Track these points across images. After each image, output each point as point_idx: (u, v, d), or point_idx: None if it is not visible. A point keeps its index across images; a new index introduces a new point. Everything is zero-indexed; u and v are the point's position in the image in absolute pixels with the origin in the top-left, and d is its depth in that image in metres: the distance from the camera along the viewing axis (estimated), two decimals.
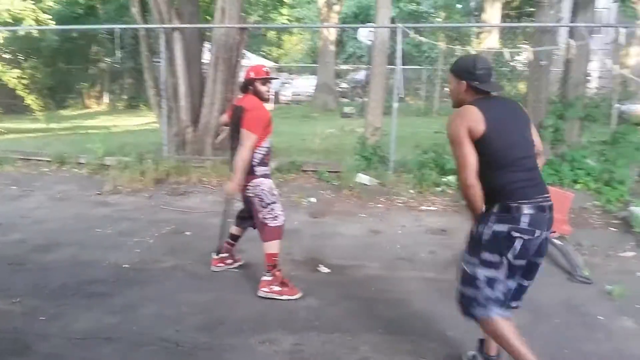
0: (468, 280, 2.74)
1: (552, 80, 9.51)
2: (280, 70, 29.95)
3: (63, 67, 18.50)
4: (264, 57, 30.98)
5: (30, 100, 11.73)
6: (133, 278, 4.46)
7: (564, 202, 5.33)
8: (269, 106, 4.26)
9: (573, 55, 7.42)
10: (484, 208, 2.73)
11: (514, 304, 2.88)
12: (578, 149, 7.32)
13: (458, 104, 2.83)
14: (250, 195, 4.15)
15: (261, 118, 4.08)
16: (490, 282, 2.67)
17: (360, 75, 22.56)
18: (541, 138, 7.37)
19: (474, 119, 2.62)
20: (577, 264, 4.65)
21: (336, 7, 22.27)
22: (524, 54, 10.89)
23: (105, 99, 21.26)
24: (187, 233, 5.68)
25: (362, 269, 4.77)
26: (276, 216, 4.15)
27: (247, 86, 4.20)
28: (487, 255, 2.67)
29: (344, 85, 25.37)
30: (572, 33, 7.80)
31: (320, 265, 4.77)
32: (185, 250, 5.10)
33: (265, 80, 4.18)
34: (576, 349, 3.42)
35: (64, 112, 17.57)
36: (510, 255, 2.64)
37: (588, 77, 8.49)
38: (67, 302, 3.96)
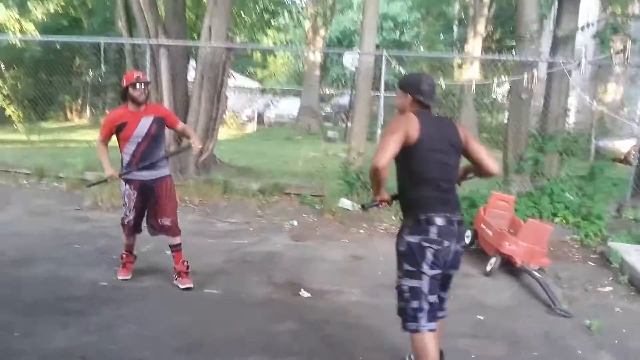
0: (398, 293, 2.99)
1: (533, 113, 9.70)
2: (264, 91, 30.08)
3: (45, 79, 18.27)
4: (249, 77, 31.10)
5: (11, 111, 11.54)
6: (110, 296, 4.38)
7: (543, 235, 5.42)
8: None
9: (534, 83, 7.58)
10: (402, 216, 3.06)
11: (440, 314, 3.08)
12: (557, 183, 7.44)
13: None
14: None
15: (106, 120, 4.58)
16: (414, 292, 2.89)
17: (344, 100, 22.74)
18: (521, 170, 7.55)
19: (413, 126, 2.86)
20: (556, 296, 4.70)
21: (322, 32, 22.56)
22: (505, 87, 11.10)
23: (88, 112, 21.06)
24: (167, 252, 5.58)
25: (343, 294, 4.75)
26: (123, 216, 4.65)
27: (124, 95, 4.47)
28: (407, 266, 2.91)
29: (327, 109, 25.56)
30: (551, 68, 8.00)
31: (301, 289, 4.74)
32: (164, 270, 5.01)
33: (134, 84, 4.37)
34: None
35: (44, 124, 17.33)
36: (424, 265, 2.86)
37: (567, 112, 8.68)
38: (42, 319, 3.87)
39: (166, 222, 4.57)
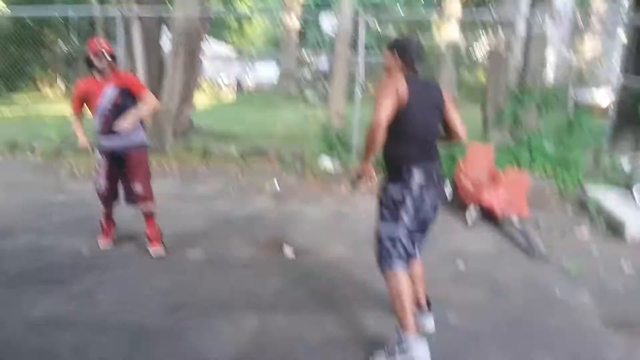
0: (376, 237, 3.16)
1: (512, 69, 9.67)
2: (242, 58, 29.63)
3: (16, 52, 17.78)
4: (225, 44, 30.58)
5: None
6: (92, 264, 4.35)
7: (522, 185, 5.48)
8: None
9: (504, 46, 7.55)
10: (382, 173, 3.18)
11: (414, 253, 3.25)
12: (535, 135, 7.49)
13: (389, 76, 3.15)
14: None
15: (74, 92, 4.45)
16: (392, 237, 3.07)
17: (323, 64, 22.52)
18: (500, 124, 7.56)
19: (403, 89, 2.95)
20: (536, 243, 4.78)
21: None
22: (483, 45, 11.06)
23: (61, 85, 20.62)
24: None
25: (327, 251, 4.77)
26: (95, 183, 4.62)
27: (88, 63, 4.35)
28: (387, 215, 3.09)
29: (306, 73, 25.29)
30: (530, 23, 7.95)
31: (285, 248, 4.75)
32: (145, 235, 5.00)
33: (96, 54, 4.26)
34: (537, 323, 3.52)
35: (16, 98, 16.96)
36: (403, 213, 3.03)
37: (545, 66, 8.67)
38: (24, 289, 3.85)
39: (138, 187, 4.50)
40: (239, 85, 23.67)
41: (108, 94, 4.32)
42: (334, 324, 3.42)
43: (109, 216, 4.76)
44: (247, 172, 7.38)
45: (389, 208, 3.08)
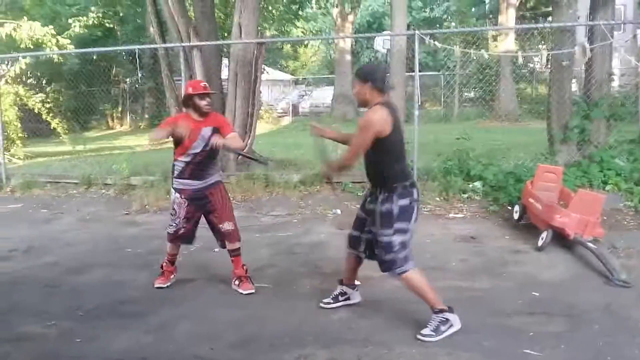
0: (387, 248, 3.55)
1: (575, 79, 9.35)
2: (297, 82, 30.11)
3: (85, 90, 18.82)
4: (280, 70, 31.19)
5: (55, 123, 11.86)
6: (165, 296, 4.48)
7: (595, 204, 5.25)
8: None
9: (588, 57, 7.29)
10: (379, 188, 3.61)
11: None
12: (606, 149, 7.19)
13: (362, 102, 3.63)
14: None
15: (169, 120, 4.46)
16: (403, 245, 3.55)
17: None
18: (567, 139, 7.33)
19: (387, 121, 3.41)
20: (614, 267, 4.55)
21: (350, 17, 22.39)
22: (543, 56, 10.78)
23: (128, 119, 21.56)
24: (216, 250, 5.66)
25: (392, 279, 4.70)
26: (170, 225, 4.59)
27: (187, 102, 4.39)
28: (399, 225, 3.52)
29: None
30: (592, 31, 7.69)
31: None
32: (215, 267, 5.10)
33: (203, 95, 4.32)
34: (619, 355, 3.33)
35: (88, 134, 17.84)
36: (412, 220, 3.58)
37: (612, 76, 8.34)
38: (102, 323, 3.99)
39: (229, 226, 4.50)
40: (295, 109, 24.02)
41: (205, 134, 4.29)
42: (404, 358, 3.36)
43: (172, 258, 4.72)
44: (309, 199, 7.43)
45: (402, 220, 3.51)
